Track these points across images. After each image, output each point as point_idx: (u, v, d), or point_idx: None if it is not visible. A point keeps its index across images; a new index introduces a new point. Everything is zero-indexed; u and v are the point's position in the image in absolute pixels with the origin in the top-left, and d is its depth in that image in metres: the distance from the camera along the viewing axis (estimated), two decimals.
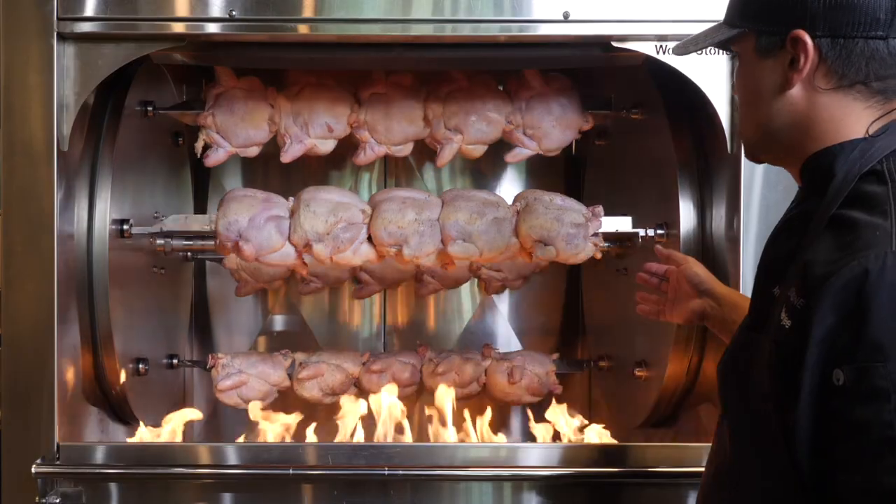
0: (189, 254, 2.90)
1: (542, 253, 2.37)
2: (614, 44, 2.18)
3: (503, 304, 3.16)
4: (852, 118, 1.41)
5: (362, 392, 2.71)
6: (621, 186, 2.75)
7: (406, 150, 2.63)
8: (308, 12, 2.14)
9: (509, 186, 3.11)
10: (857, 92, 1.39)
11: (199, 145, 2.55)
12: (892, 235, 1.26)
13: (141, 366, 2.51)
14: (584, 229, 2.36)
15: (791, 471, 1.31)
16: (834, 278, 1.25)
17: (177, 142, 2.80)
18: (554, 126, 2.58)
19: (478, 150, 2.61)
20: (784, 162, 1.53)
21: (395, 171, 3.10)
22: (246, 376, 2.68)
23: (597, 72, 2.74)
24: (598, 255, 2.42)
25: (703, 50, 1.62)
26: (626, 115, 2.62)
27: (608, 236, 2.48)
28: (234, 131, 2.53)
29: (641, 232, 2.45)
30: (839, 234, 1.32)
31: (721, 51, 2.03)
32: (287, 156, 2.56)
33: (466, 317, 3.16)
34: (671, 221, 2.37)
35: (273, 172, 3.02)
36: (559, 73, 2.63)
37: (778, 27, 1.41)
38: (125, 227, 2.38)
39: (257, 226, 2.36)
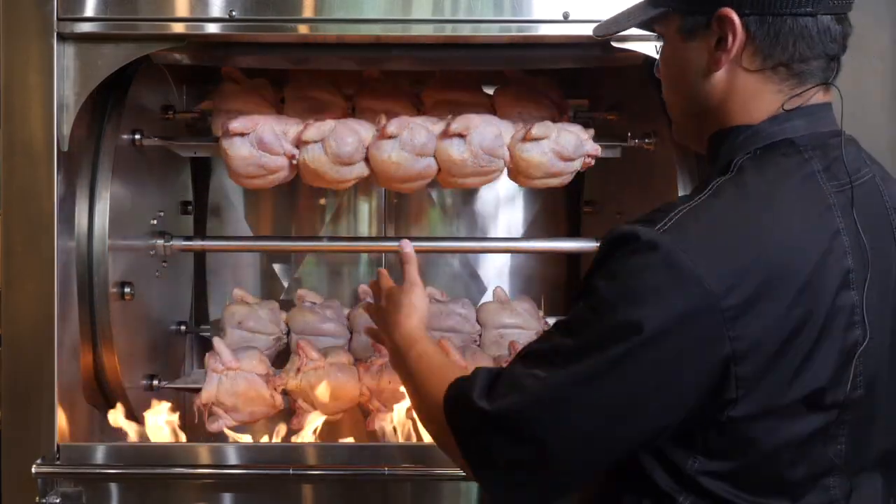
0: (183, 328, 2.83)
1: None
2: (614, 44, 2.17)
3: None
4: (759, 101, 1.38)
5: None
6: (622, 185, 2.75)
7: None
8: (308, 12, 2.13)
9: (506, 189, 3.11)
10: (775, 73, 1.37)
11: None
12: (670, 213, 1.31)
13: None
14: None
15: None
16: (607, 234, 1.35)
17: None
18: None
19: None
20: (700, 145, 1.49)
21: None
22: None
23: (595, 71, 2.73)
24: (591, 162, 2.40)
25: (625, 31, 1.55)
26: (600, 116, 2.62)
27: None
28: None
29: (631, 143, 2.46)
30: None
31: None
32: None
33: None
34: None
35: None
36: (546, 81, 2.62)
37: (703, 6, 1.37)
38: (137, 136, 2.40)
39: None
